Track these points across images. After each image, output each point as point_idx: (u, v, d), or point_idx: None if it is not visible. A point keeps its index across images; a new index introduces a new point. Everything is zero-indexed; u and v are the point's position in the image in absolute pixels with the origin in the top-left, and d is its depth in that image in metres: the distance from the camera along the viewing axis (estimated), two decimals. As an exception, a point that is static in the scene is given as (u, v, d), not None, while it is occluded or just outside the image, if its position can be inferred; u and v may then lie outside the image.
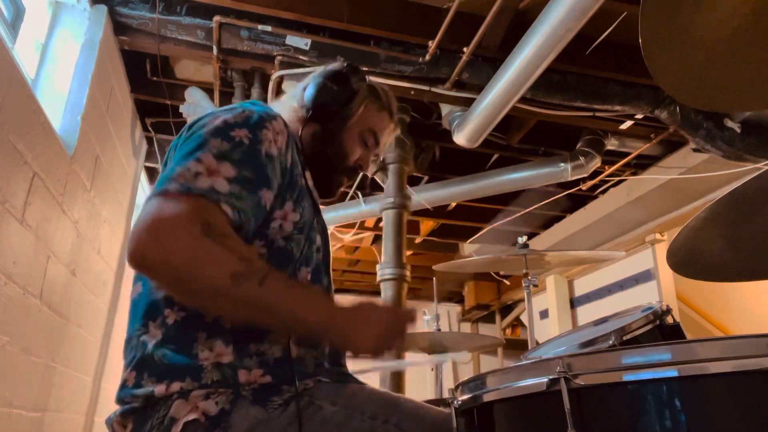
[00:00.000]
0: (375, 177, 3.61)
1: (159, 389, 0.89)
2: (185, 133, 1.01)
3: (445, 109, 3.24)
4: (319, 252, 1.10)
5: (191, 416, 0.87)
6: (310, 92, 1.17)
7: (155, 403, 0.89)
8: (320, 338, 0.96)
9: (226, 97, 3.19)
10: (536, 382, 0.76)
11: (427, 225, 5.34)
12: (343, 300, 0.94)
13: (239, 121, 0.98)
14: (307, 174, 1.14)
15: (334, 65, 1.22)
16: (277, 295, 0.88)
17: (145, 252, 0.83)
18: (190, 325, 0.93)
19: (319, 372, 0.99)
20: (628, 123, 3.35)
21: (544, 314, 5.48)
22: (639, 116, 3.24)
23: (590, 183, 4.08)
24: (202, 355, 0.91)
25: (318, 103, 1.16)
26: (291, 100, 1.22)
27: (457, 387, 0.92)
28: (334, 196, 1.24)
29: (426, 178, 4.27)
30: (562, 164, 3.59)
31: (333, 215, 4.27)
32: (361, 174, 1.28)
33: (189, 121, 1.08)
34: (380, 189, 3.66)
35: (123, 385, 0.93)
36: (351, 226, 4.81)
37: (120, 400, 0.93)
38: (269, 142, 0.98)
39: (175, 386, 0.89)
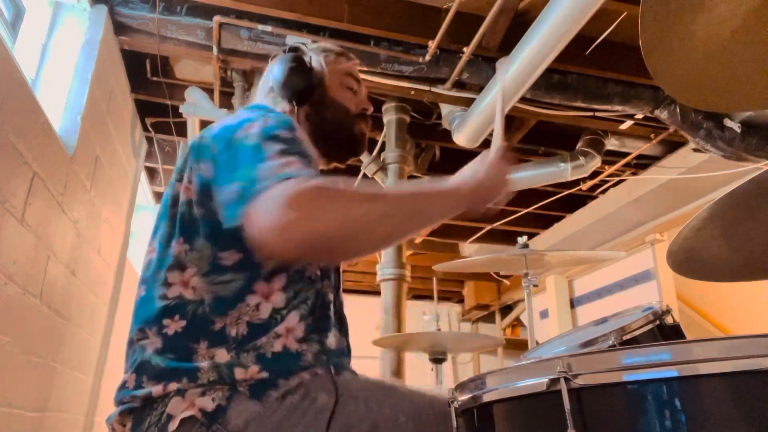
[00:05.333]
0: (375, 177, 3.61)
1: (157, 389, 0.90)
2: (219, 146, 0.98)
3: (445, 109, 3.24)
4: None
5: (188, 413, 0.88)
6: (281, 86, 1.19)
7: (153, 402, 0.90)
8: (469, 204, 1.01)
9: (226, 97, 3.19)
10: (536, 382, 0.76)
11: (426, 225, 5.32)
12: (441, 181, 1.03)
13: (272, 123, 0.98)
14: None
15: (277, 55, 1.24)
16: (418, 188, 0.95)
17: (286, 229, 0.79)
18: (191, 336, 0.93)
19: (318, 364, 0.99)
20: (628, 123, 3.35)
21: (544, 314, 5.48)
22: (639, 116, 3.24)
23: (590, 183, 4.08)
24: (202, 363, 0.92)
25: (295, 90, 1.18)
26: (270, 103, 1.22)
27: (457, 387, 0.92)
28: (365, 147, 1.28)
29: (426, 178, 4.27)
30: (562, 164, 3.59)
31: (333, 215, 4.27)
32: (371, 111, 1.28)
33: (199, 133, 1.07)
34: (380, 189, 3.65)
35: (123, 387, 0.95)
36: (351, 226, 4.80)
37: (119, 401, 0.94)
38: (302, 137, 1.01)
39: (172, 386, 0.90)
